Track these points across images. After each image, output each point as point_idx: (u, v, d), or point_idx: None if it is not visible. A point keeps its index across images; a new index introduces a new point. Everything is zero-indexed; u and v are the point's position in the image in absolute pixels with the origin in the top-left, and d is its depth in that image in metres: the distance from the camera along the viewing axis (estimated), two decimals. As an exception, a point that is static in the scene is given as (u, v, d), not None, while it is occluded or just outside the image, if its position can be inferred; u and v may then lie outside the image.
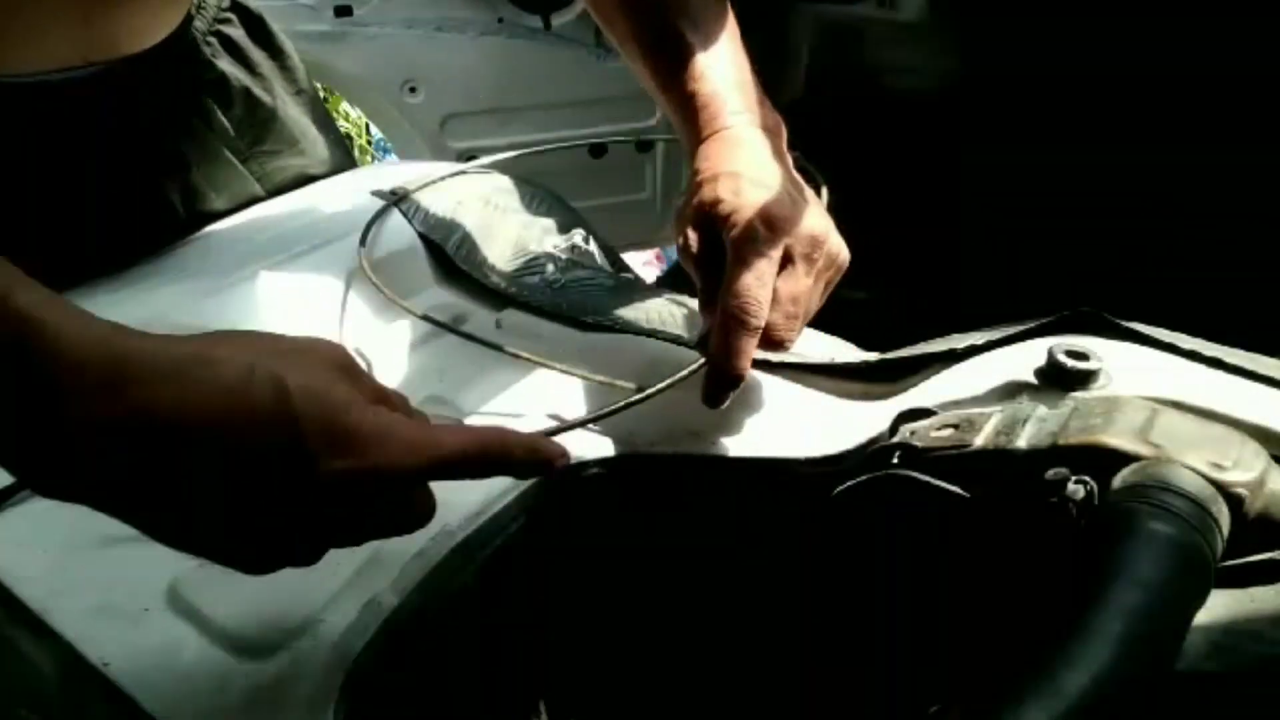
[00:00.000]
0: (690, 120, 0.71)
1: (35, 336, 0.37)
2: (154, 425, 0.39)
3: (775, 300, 0.63)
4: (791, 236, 0.64)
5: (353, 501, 0.43)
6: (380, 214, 0.87)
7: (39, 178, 0.77)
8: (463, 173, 0.99)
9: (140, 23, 0.80)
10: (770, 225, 0.62)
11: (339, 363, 0.46)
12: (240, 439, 0.40)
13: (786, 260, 0.64)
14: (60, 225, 0.78)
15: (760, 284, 0.62)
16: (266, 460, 0.41)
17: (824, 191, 0.79)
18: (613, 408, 0.61)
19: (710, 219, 0.65)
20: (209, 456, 0.40)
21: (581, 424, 0.61)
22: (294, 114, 0.98)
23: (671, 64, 0.72)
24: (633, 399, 0.62)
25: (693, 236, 0.66)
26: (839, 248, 0.67)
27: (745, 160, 0.67)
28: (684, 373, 0.64)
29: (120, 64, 0.79)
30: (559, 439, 0.51)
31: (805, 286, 0.65)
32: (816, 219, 0.66)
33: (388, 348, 0.77)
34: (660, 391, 0.63)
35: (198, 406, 0.40)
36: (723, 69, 0.71)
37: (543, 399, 0.71)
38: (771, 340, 0.64)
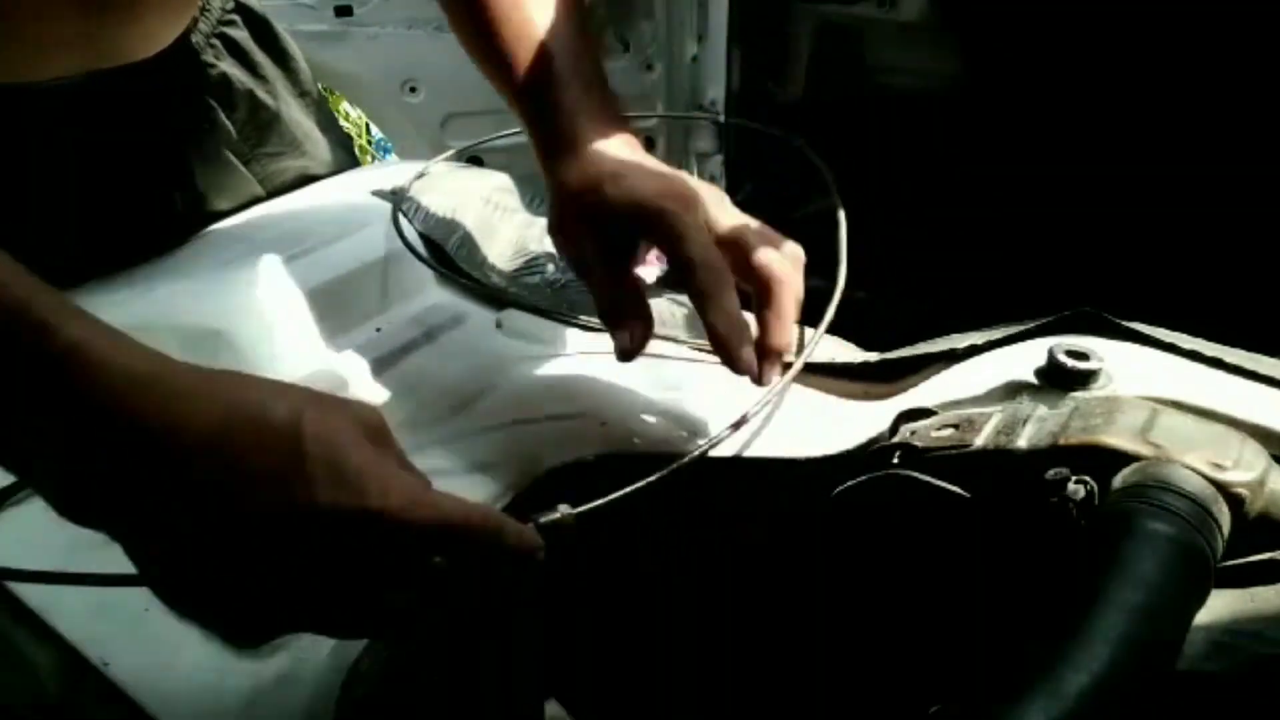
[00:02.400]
0: (549, 129, 0.66)
1: (81, 366, 0.39)
2: (160, 437, 0.39)
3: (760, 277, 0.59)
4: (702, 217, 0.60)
5: (346, 550, 0.41)
6: (398, 206, 0.87)
7: (42, 180, 0.78)
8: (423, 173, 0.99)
9: (145, 30, 0.80)
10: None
11: (368, 421, 0.45)
12: (242, 454, 0.40)
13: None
14: (63, 227, 0.78)
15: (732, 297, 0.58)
16: (261, 477, 0.40)
17: (833, 188, 0.79)
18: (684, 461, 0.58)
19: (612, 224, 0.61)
20: (208, 469, 0.39)
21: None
22: (297, 116, 0.98)
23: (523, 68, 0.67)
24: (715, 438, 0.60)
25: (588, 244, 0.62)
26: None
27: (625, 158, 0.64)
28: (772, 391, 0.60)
29: (125, 71, 0.79)
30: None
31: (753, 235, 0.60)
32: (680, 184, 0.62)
33: (393, 342, 0.77)
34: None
35: (208, 420, 0.40)
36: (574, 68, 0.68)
37: (548, 394, 0.71)
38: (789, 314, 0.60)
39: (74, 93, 0.76)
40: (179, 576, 0.42)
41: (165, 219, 0.87)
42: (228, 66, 0.90)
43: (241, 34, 0.92)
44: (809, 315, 0.72)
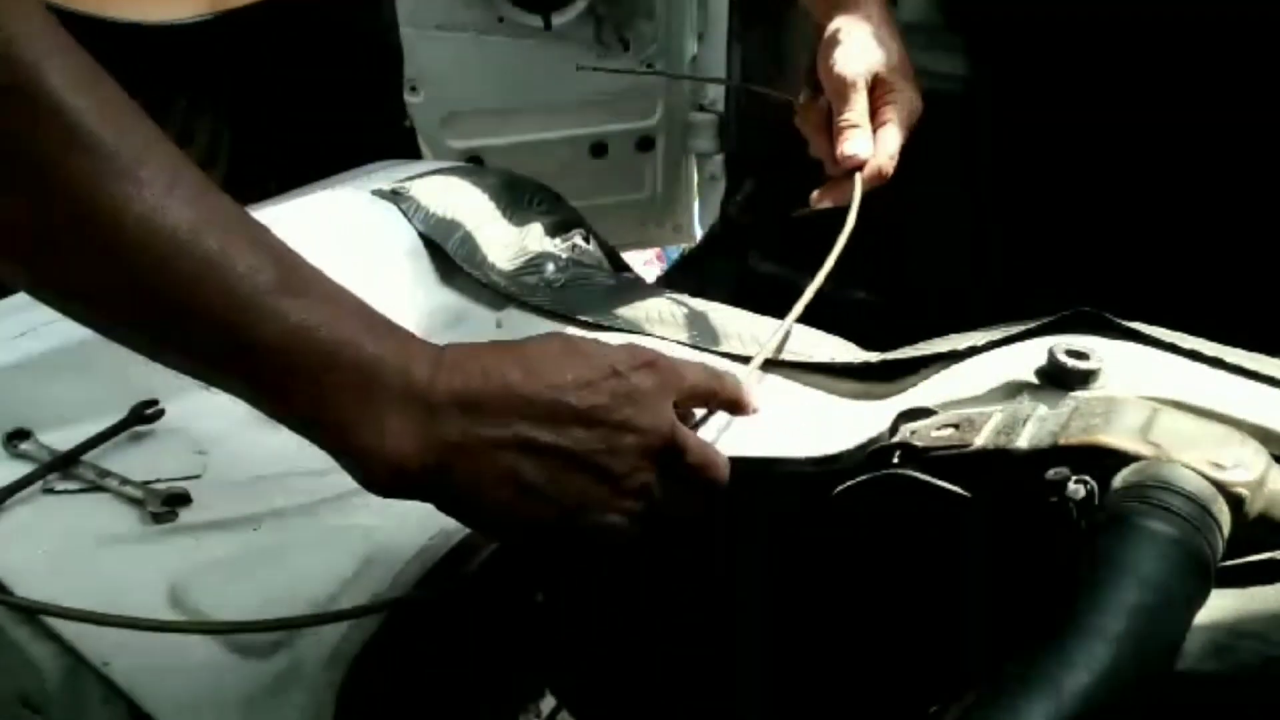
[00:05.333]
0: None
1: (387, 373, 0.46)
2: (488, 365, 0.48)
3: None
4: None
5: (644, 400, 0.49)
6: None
7: (166, 117, 0.82)
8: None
9: None
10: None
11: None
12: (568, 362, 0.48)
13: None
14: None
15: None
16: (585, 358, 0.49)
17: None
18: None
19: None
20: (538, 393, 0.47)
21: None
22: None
23: None
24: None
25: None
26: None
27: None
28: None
29: (245, 12, 0.83)
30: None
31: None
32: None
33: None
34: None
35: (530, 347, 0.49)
36: None
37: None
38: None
39: (197, 31, 0.79)
40: (520, 504, 0.47)
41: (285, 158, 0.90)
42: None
43: None
44: (810, 315, 0.72)
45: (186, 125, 0.84)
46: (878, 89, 0.81)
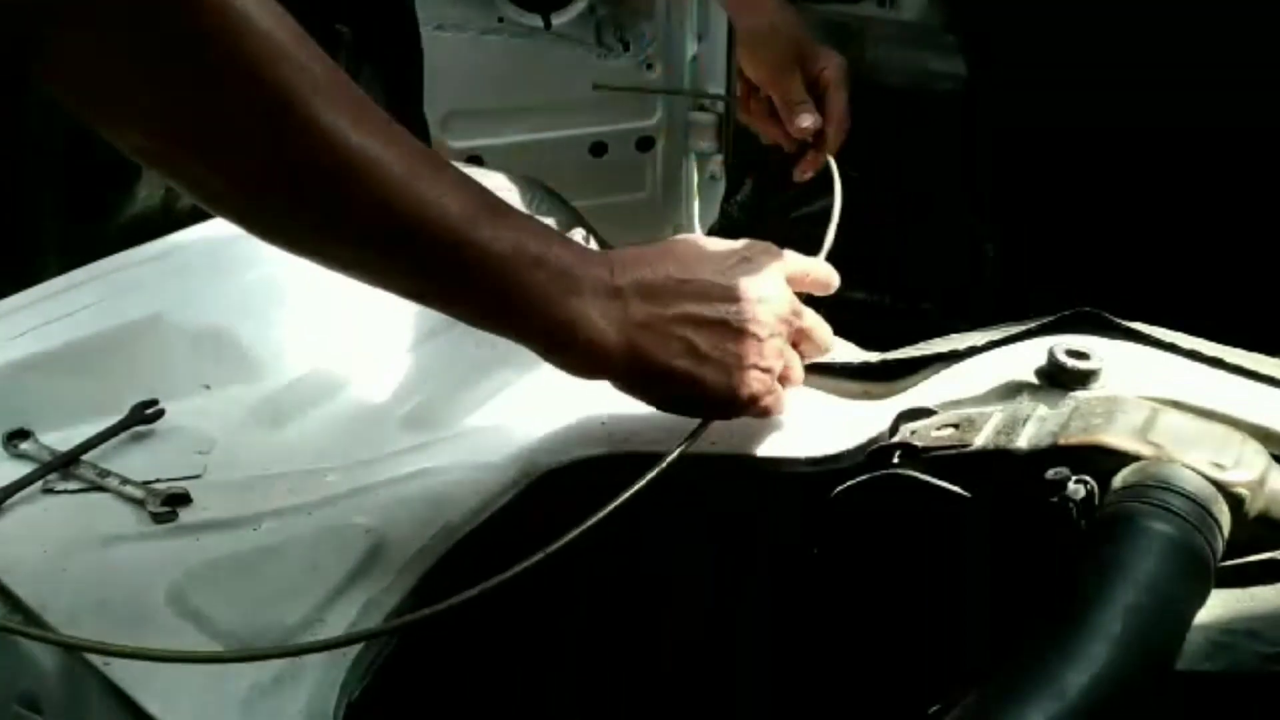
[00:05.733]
0: None
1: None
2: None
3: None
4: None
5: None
6: None
7: None
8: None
9: None
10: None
11: None
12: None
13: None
14: None
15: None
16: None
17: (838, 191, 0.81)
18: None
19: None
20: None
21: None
22: None
23: None
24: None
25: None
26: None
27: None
28: None
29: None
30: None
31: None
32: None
33: (393, 342, 0.77)
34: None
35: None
36: None
37: (548, 394, 0.71)
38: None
39: None
40: (726, 351, 0.57)
41: None
42: None
43: None
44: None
45: None
46: (805, 60, 0.93)
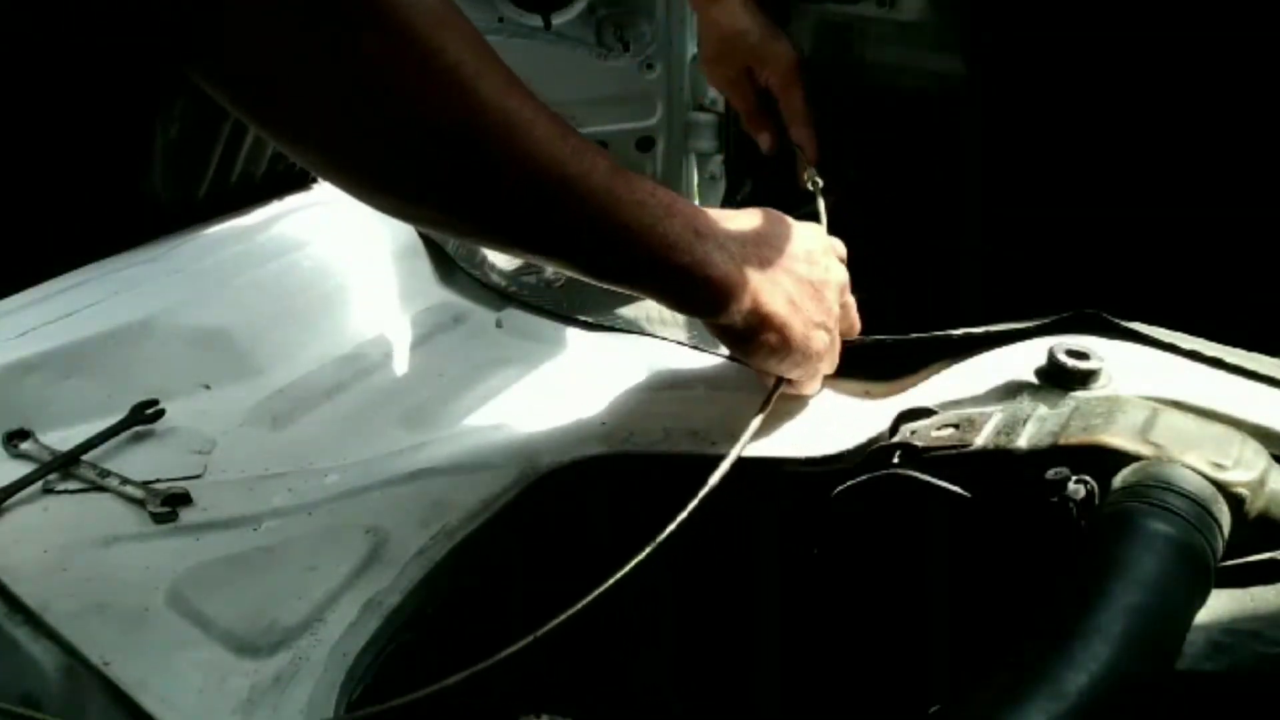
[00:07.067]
0: None
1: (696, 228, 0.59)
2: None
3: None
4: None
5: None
6: None
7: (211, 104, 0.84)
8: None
9: None
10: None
11: None
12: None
13: None
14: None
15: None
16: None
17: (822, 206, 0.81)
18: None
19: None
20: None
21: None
22: None
23: None
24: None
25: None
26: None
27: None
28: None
29: None
30: None
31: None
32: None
33: (393, 342, 0.77)
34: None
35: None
36: None
37: (548, 394, 0.71)
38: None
39: None
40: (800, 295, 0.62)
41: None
42: None
43: None
44: None
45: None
46: (754, 70, 0.96)
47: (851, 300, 0.69)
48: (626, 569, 0.53)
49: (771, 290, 0.61)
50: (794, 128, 0.95)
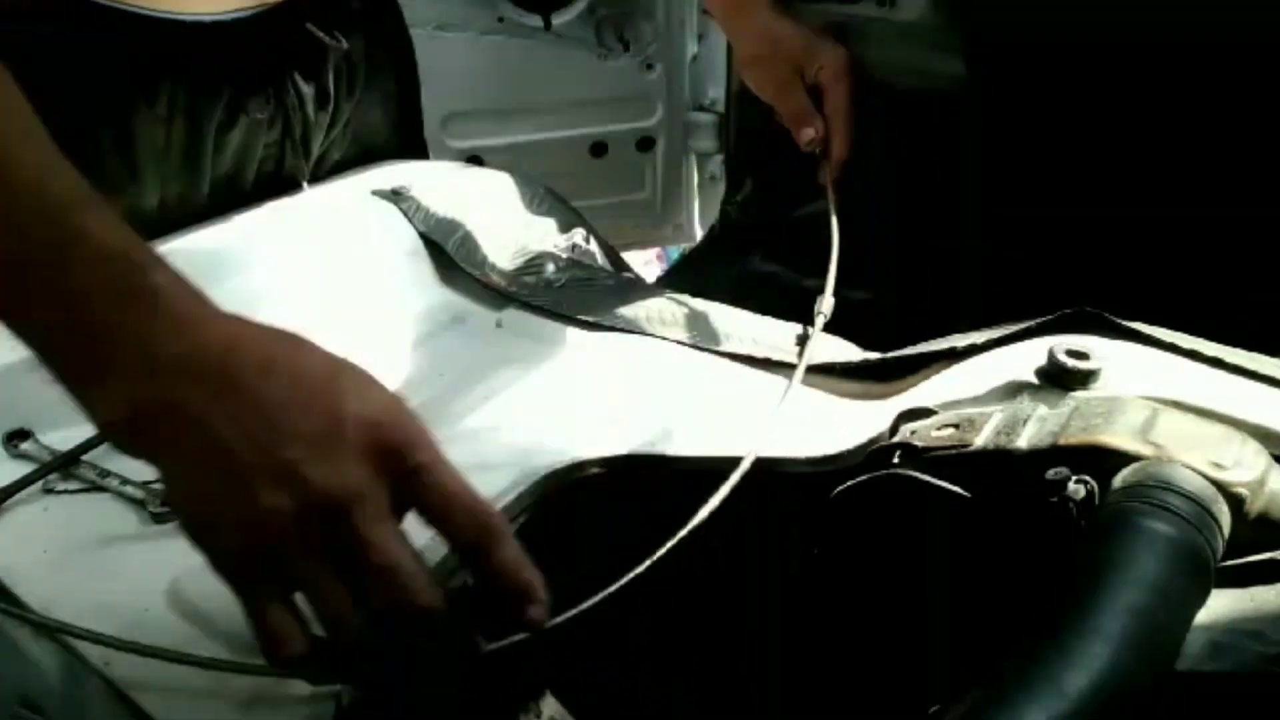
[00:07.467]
0: None
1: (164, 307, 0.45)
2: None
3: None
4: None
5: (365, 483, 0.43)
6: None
7: (208, 111, 0.83)
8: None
9: None
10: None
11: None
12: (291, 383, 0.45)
13: None
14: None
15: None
16: (299, 403, 0.44)
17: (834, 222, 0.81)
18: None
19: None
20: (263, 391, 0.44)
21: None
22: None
23: None
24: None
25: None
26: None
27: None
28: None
29: (286, 6, 0.86)
30: None
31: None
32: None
33: (393, 343, 0.77)
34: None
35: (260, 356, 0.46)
36: None
37: (548, 394, 0.71)
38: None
39: (241, 26, 0.83)
40: (212, 501, 0.43)
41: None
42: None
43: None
44: (804, 313, 0.72)
45: (229, 118, 0.86)
46: (805, 68, 0.96)
47: (380, 539, 0.43)
48: (642, 567, 0.53)
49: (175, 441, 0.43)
50: (834, 122, 0.97)
